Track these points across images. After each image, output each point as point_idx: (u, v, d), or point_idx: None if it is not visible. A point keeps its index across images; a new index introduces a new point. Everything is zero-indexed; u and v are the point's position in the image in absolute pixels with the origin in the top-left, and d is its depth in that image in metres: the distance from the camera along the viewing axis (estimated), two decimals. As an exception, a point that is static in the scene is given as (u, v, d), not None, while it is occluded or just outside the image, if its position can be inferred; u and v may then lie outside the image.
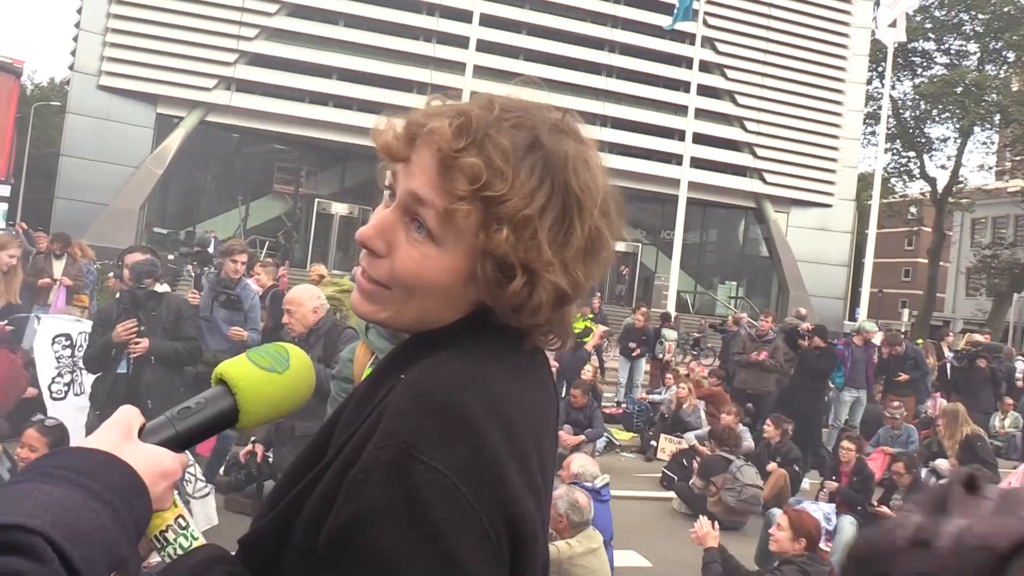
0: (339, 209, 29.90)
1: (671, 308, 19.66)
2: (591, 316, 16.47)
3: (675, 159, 26.74)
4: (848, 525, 5.84)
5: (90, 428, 5.01)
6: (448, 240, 0.88)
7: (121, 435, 0.84)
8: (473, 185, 0.85)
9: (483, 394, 0.84)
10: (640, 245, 31.03)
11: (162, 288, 4.81)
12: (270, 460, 5.30)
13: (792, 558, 4.35)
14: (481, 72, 22.17)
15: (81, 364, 5.53)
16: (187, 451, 0.96)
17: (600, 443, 9.66)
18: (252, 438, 5.69)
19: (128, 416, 0.87)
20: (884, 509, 7.11)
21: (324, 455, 0.93)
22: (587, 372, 10.69)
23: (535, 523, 0.83)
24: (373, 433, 0.82)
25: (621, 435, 10.92)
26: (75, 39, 25.93)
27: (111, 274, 9.36)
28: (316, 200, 29.49)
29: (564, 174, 0.89)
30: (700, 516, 5.03)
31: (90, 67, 24.93)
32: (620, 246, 31.95)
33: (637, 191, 27.46)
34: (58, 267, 8.69)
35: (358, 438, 0.85)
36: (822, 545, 4.89)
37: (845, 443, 7.66)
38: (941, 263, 40.15)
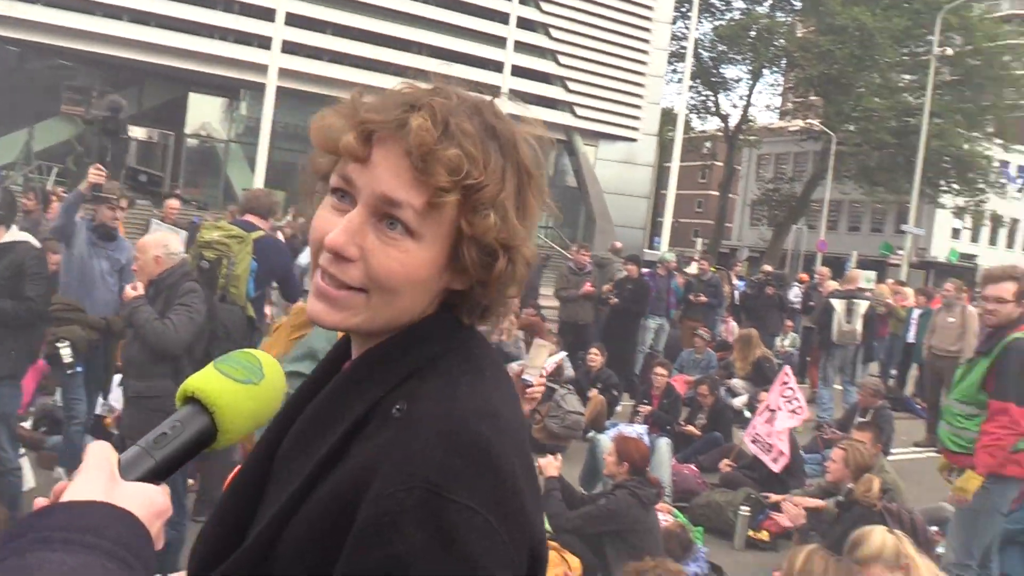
0: (136, 133, 27.75)
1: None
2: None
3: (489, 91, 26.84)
4: (664, 445, 6.49)
5: None
6: (427, 233, 0.88)
7: (107, 478, 0.76)
8: (455, 176, 0.85)
9: (496, 423, 0.86)
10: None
11: (8, 236, 4.33)
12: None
13: (624, 482, 4.85)
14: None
15: None
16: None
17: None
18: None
19: (105, 454, 0.79)
20: (691, 428, 7.93)
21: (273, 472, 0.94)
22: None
23: (545, 544, 0.88)
24: (373, 466, 0.81)
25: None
26: None
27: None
28: (110, 122, 27.23)
29: (516, 153, 0.92)
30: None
31: None
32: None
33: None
34: None
35: (348, 471, 0.83)
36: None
37: (658, 369, 8.38)
38: (730, 195, 43.36)
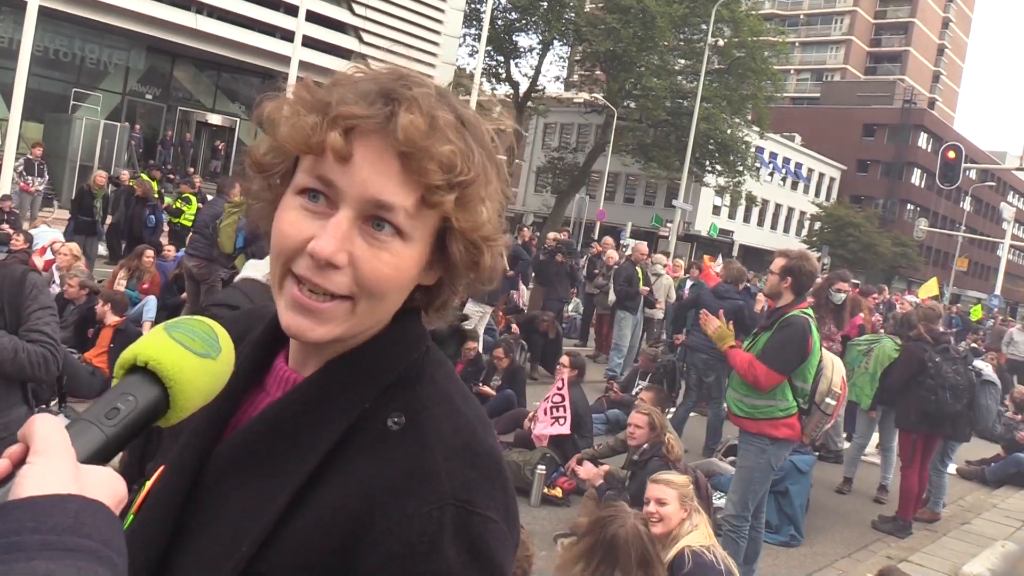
0: None
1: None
2: (194, 194, 15.72)
3: (279, 32, 25.63)
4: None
5: None
6: (416, 234, 0.84)
7: (71, 464, 0.64)
8: (449, 174, 0.81)
9: (491, 429, 0.89)
10: (238, 120, 29.62)
11: None
12: None
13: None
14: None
15: None
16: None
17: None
18: None
19: (62, 434, 0.66)
20: (486, 389, 8.16)
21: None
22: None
23: None
24: (387, 485, 0.79)
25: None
26: None
27: None
28: None
29: (483, 141, 0.87)
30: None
31: None
32: (216, 119, 30.22)
33: (239, 63, 26.02)
34: None
35: (351, 489, 0.80)
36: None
37: (470, 344, 8.55)
38: (517, 161, 44.51)
